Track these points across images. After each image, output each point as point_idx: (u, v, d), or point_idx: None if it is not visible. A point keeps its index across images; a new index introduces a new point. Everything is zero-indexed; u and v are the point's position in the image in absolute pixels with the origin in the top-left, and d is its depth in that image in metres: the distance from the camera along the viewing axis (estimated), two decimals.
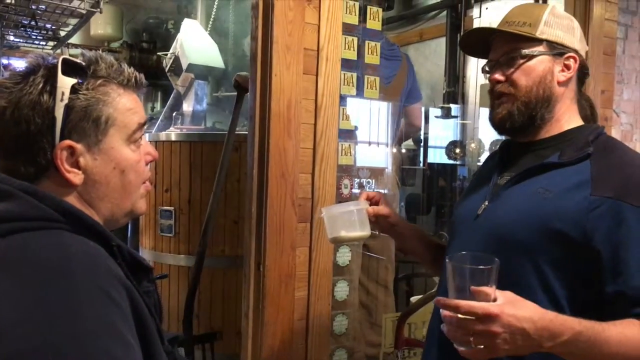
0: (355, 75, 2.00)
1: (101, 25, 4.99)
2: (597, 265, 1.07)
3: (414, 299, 2.63)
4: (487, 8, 3.20)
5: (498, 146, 1.41)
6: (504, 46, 1.25)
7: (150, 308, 0.81)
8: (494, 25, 1.32)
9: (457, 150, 3.69)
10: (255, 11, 1.82)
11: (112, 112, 0.85)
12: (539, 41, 1.22)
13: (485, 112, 3.56)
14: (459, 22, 3.35)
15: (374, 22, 2.05)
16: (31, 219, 0.74)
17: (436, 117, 3.55)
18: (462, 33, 3.32)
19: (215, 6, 3.91)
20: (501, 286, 0.98)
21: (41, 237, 0.74)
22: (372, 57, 2.06)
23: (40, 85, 0.80)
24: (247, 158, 1.88)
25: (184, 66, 3.30)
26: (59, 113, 0.79)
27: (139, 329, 0.75)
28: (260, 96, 1.81)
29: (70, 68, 0.82)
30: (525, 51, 1.22)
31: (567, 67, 1.23)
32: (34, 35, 2.63)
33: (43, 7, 2.13)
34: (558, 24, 1.24)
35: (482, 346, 0.95)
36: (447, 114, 3.46)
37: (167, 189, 2.73)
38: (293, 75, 1.80)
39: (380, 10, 2.06)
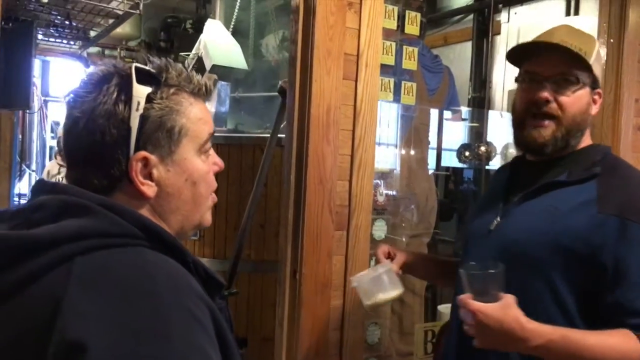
0: (392, 80, 1.97)
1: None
2: (604, 278, 1.14)
3: (442, 307, 2.60)
4: (515, 13, 3.17)
5: (508, 162, 1.44)
6: (560, 65, 1.23)
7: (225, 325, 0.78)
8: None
9: (467, 154, 3.65)
10: (295, 15, 1.79)
11: (185, 122, 0.82)
12: (589, 72, 1.23)
13: (494, 115, 3.55)
14: (486, 26, 3.31)
15: (412, 27, 2.03)
16: (112, 236, 0.72)
17: (446, 119, 3.54)
18: (489, 37, 3.28)
19: (237, 6, 3.88)
20: (515, 299, 1.11)
21: (123, 255, 0.71)
22: (410, 62, 2.03)
23: (115, 94, 0.77)
24: (283, 163, 1.85)
25: (208, 67, 3.28)
26: (134, 123, 0.76)
27: (222, 348, 0.72)
28: (299, 101, 1.78)
29: (143, 77, 0.79)
30: (581, 78, 1.22)
31: (595, 101, 1.27)
32: (64, 35, 2.61)
33: (79, 7, 2.10)
34: (599, 59, 1.27)
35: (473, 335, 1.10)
36: (461, 118, 3.43)
37: None
38: (333, 81, 1.77)
39: (419, 15, 2.03)
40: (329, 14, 1.74)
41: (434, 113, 3.01)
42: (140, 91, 0.77)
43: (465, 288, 1.13)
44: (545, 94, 1.21)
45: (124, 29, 5.05)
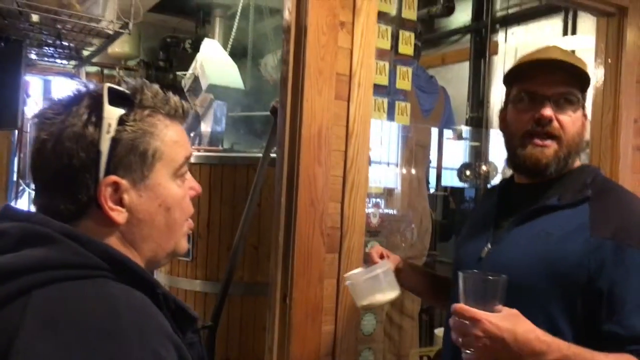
0: (386, 100, 1.94)
1: (119, 43, 4.97)
2: (601, 304, 1.11)
3: (438, 330, 2.54)
4: (512, 33, 3.16)
5: (497, 185, 1.40)
6: (561, 84, 1.20)
7: None
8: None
9: (468, 173, 3.62)
10: (287, 35, 1.77)
11: (160, 145, 0.78)
12: (583, 92, 1.22)
13: (495, 134, 3.53)
14: (483, 46, 3.30)
15: (406, 47, 2.00)
16: (73, 267, 0.68)
17: (447, 138, 3.53)
18: (487, 57, 3.27)
19: (235, 26, 3.89)
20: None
21: (84, 288, 0.67)
22: (404, 82, 2.00)
23: (85, 116, 0.74)
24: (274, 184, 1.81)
25: (204, 87, 3.26)
26: (105, 146, 0.73)
27: None
28: (290, 121, 1.75)
29: (115, 98, 0.76)
30: (580, 98, 1.21)
31: (583, 123, 1.25)
32: (57, 55, 2.60)
33: (69, 26, 2.09)
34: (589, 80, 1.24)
35: (470, 349, 1.02)
36: (458, 136, 3.41)
37: None
38: (325, 101, 1.74)
39: (412, 35, 2.01)
40: (320, 33, 1.72)
41: (434, 132, 2.99)
42: (112, 113, 0.74)
43: (464, 295, 1.05)
44: (550, 113, 1.18)
45: (123, 48, 5.07)
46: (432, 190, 3.47)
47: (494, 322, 1.00)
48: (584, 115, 1.25)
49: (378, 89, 1.88)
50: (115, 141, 0.74)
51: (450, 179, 3.75)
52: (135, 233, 0.78)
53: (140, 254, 0.79)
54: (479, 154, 3.58)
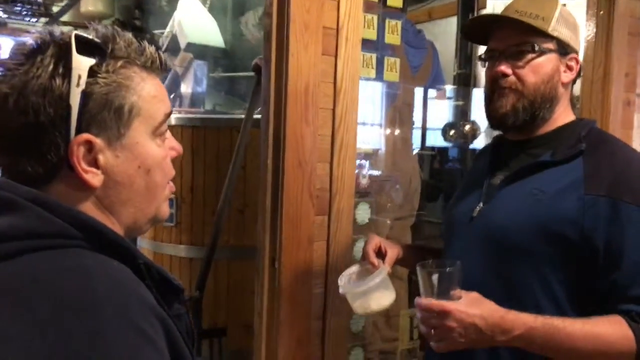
0: (374, 56, 1.86)
1: (92, 1, 4.77)
2: (595, 263, 1.08)
3: None
4: None
5: (490, 143, 1.35)
6: (513, 37, 1.18)
7: (183, 335, 0.68)
8: (501, 8, 1.23)
9: (452, 132, 3.58)
10: None
11: (137, 100, 0.70)
12: (550, 37, 1.16)
13: (478, 93, 3.47)
14: (472, 1, 3.20)
15: None
16: (42, 236, 0.61)
17: (431, 98, 3.47)
18: (475, 12, 3.18)
19: None
20: (501, 288, 1.12)
21: (56, 259, 0.60)
22: (393, 36, 1.92)
23: (51, 66, 0.65)
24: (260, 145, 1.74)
25: (183, 45, 3.13)
26: (75, 101, 0.65)
27: None
28: (275, 79, 1.66)
29: (85, 46, 0.67)
30: (537, 46, 1.15)
31: (570, 68, 1.20)
32: (24, 11, 2.44)
33: None
34: (567, 22, 1.19)
35: (442, 340, 1.04)
36: (442, 95, 3.36)
37: None
38: (311, 56, 1.66)
39: None
40: None
41: (418, 91, 2.91)
42: (81, 63, 0.66)
43: (425, 288, 1.08)
44: (501, 68, 1.17)
45: (97, 6, 4.86)
46: (416, 150, 3.41)
47: (462, 310, 1.02)
48: (568, 60, 1.19)
49: (366, 44, 1.79)
50: (86, 95, 0.66)
51: (434, 139, 3.70)
52: (113, 197, 0.70)
53: (119, 221, 0.72)
54: (462, 113, 3.52)
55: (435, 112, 3.67)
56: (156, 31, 3.83)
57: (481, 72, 3.34)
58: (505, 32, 1.20)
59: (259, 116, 2.65)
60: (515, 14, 1.17)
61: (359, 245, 1.90)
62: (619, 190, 1.08)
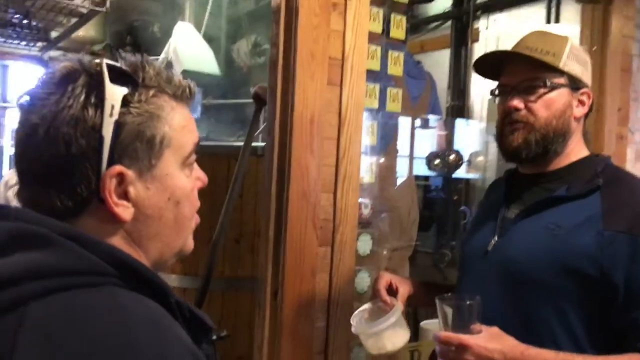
0: (378, 87, 1.86)
1: (83, 26, 4.74)
2: (615, 300, 1.07)
3: (424, 324, 2.50)
4: (494, 20, 3.11)
5: (502, 177, 1.36)
6: (525, 72, 1.19)
7: None
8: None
9: (437, 162, 3.59)
10: (276, 16, 1.67)
11: (168, 131, 0.68)
12: (561, 73, 1.17)
13: (461, 123, 3.51)
14: (464, 34, 3.25)
15: (398, 31, 1.92)
16: (76, 274, 0.57)
17: (416, 127, 3.49)
18: (468, 45, 3.22)
19: (208, 10, 3.74)
20: (518, 323, 1.11)
21: (91, 298, 0.56)
22: (395, 67, 1.92)
23: (83, 96, 0.62)
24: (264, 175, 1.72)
25: (178, 72, 3.12)
26: (108, 131, 0.62)
27: None
28: (281, 108, 1.66)
29: (117, 76, 0.65)
30: (549, 81, 1.16)
31: (582, 102, 1.21)
32: (22, 36, 2.41)
33: (39, 4, 1.92)
34: (577, 57, 1.20)
35: None
36: (424, 125, 3.38)
37: None
38: (317, 86, 1.65)
39: (404, 18, 1.93)
40: (312, 15, 1.63)
41: (404, 120, 2.92)
42: (115, 93, 0.63)
43: (444, 321, 1.08)
44: (514, 103, 1.18)
45: (88, 32, 4.83)
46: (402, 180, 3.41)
47: (482, 344, 1.02)
48: (581, 95, 1.20)
49: (369, 75, 1.80)
50: (119, 126, 0.63)
51: (417, 168, 3.71)
52: (142, 231, 0.67)
53: (147, 255, 0.69)
54: (448, 142, 3.54)
55: (419, 141, 3.69)
56: (152, 58, 3.81)
57: (474, 104, 3.38)
58: (517, 68, 1.20)
59: (257, 144, 2.64)
60: (526, 50, 1.18)
61: (360, 277, 1.87)
62: (639, 226, 1.07)
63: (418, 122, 3.48)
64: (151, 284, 0.62)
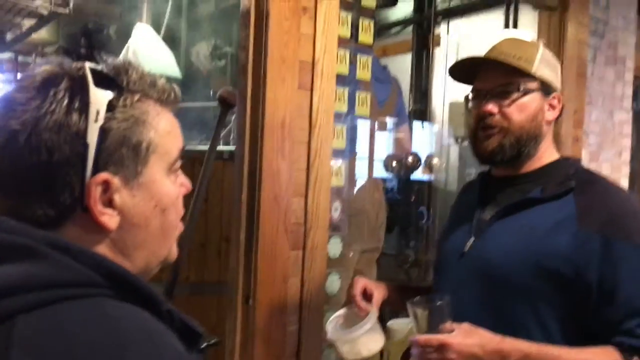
0: (347, 91, 1.87)
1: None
2: (589, 299, 1.10)
3: (392, 323, 2.52)
4: (455, 25, 3.18)
5: (475, 179, 1.39)
6: (499, 78, 1.22)
7: None
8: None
9: (394, 164, 3.64)
10: (245, 19, 1.66)
11: (154, 136, 0.66)
12: (533, 78, 1.21)
13: (417, 126, 3.58)
14: (425, 39, 3.31)
15: (366, 35, 1.94)
16: (65, 286, 0.55)
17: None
18: (430, 50, 3.28)
19: (167, 12, 3.68)
20: (494, 322, 1.12)
21: (81, 311, 0.54)
22: (364, 72, 1.94)
23: (66, 101, 0.60)
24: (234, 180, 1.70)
25: None
26: (93, 138, 0.60)
27: None
28: (251, 112, 1.64)
29: (100, 79, 0.63)
30: (522, 86, 1.20)
31: (553, 106, 1.24)
32: None
33: None
34: (548, 63, 1.24)
35: None
36: (382, 127, 3.42)
37: None
38: (288, 90, 1.65)
39: (372, 22, 1.95)
40: (283, 19, 1.62)
41: (363, 123, 2.94)
42: (100, 97, 0.61)
43: (421, 325, 1.10)
44: (488, 107, 1.21)
45: (40, 34, 4.68)
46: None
47: (462, 341, 1.05)
48: (552, 99, 1.23)
49: (338, 79, 1.80)
50: (104, 131, 0.61)
51: (375, 170, 3.74)
52: (128, 240, 0.65)
53: (132, 264, 0.67)
54: (400, 144, 3.57)
55: (377, 143, 3.73)
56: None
57: (436, 108, 3.44)
58: (491, 73, 1.23)
59: (222, 148, 2.61)
60: (500, 56, 1.21)
61: (330, 280, 1.88)
62: (612, 227, 1.10)
63: (376, 125, 3.52)
64: (142, 293, 0.61)
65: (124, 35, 4.07)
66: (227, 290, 1.72)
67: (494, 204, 1.26)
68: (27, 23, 2.21)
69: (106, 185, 0.62)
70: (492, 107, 1.21)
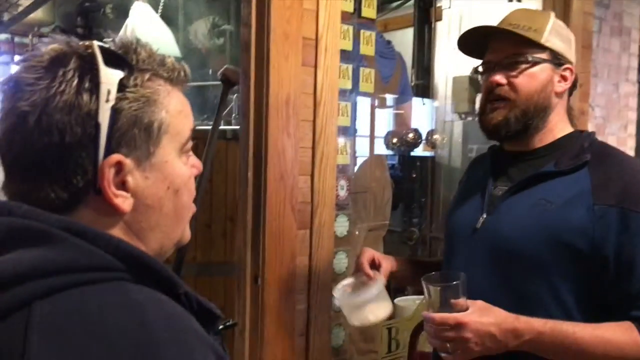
0: (351, 67, 1.84)
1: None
2: (606, 272, 1.09)
3: (399, 300, 2.53)
4: None
5: (486, 153, 1.36)
6: (508, 48, 1.20)
7: None
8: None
9: (395, 141, 3.62)
10: None
11: (165, 116, 0.65)
12: (543, 49, 1.19)
13: (417, 102, 3.55)
14: (427, 12, 3.26)
15: (369, 9, 1.91)
16: (82, 270, 0.54)
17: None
18: (431, 24, 3.24)
19: None
20: (510, 299, 1.11)
21: (102, 295, 0.54)
22: (368, 47, 1.91)
23: (76, 80, 0.58)
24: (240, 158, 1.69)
25: None
26: (104, 118, 0.59)
27: None
28: (255, 90, 1.62)
29: (110, 58, 0.61)
30: (531, 57, 1.18)
31: (564, 78, 1.21)
32: None
33: None
34: (560, 34, 1.21)
35: (458, 351, 1.06)
36: (382, 104, 3.39)
37: None
38: (292, 67, 1.62)
39: None
40: None
41: (364, 100, 2.91)
42: (111, 76, 0.60)
43: (431, 301, 1.09)
44: (496, 78, 1.19)
45: (36, 14, 4.62)
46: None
47: (478, 320, 1.04)
48: (563, 70, 1.20)
49: (342, 55, 1.78)
50: (115, 111, 0.60)
51: (375, 147, 3.71)
52: (142, 222, 0.64)
53: (147, 246, 0.66)
54: (403, 121, 3.54)
55: (377, 120, 3.69)
56: (108, 40, 3.66)
57: (439, 82, 3.41)
58: (500, 44, 1.22)
59: (224, 127, 2.59)
60: (509, 27, 1.19)
61: (338, 258, 1.87)
62: (629, 200, 1.09)
63: (376, 102, 3.49)
64: (160, 276, 0.60)
65: (122, 14, 4.01)
66: (235, 270, 1.71)
67: (506, 179, 1.25)
68: (24, 3, 2.17)
69: (119, 167, 0.61)
70: (500, 77, 1.19)
